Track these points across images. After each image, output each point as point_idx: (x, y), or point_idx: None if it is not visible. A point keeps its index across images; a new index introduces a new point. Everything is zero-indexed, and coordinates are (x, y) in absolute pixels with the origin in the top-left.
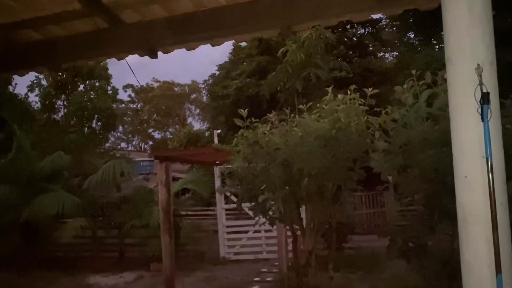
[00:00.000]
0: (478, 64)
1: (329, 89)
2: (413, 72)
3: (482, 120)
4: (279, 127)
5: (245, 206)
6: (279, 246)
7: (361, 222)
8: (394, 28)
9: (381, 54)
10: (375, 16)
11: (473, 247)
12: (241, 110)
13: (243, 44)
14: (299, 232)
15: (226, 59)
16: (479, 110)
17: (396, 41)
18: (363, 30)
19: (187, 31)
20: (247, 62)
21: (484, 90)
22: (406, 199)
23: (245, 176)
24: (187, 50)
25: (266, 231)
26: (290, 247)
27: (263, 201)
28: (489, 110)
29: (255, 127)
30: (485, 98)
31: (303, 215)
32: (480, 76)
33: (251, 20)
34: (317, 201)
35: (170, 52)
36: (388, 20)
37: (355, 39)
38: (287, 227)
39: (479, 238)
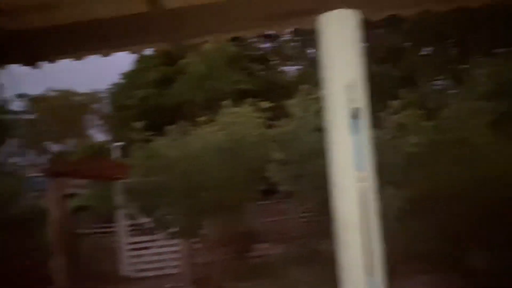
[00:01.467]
0: (350, 82)
1: (227, 102)
2: (304, 87)
3: (353, 133)
4: (178, 139)
5: (148, 221)
6: (182, 260)
7: (266, 231)
8: (297, 43)
9: (286, 68)
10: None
11: (349, 252)
12: (137, 122)
13: (148, 52)
14: (201, 245)
15: (131, 68)
16: (352, 124)
17: (299, 56)
18: (267, 44)
19: (72, 43)
20: (151, 72)
21: (355, 106)
22: (302, 207)
23: (142, 190)
24: (75, 60)
25: (170, 245)
26: (195, 260)
27: (161, 216)
28: (359, 124)
29: (153, 140)
30: (355, 113)
31: (208, 227)
32: (351, 92)
33: (139, 33)
34: (219, 213)
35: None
36: (290, 36)
37: (259, 52)
38: (189, 241)
39: (354, 243)
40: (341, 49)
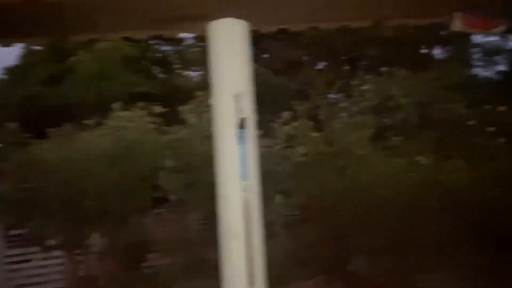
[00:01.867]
0: (238, 91)
1: (117, 105)
2: (200, 93)
3: (240, 143)
4: (61, 143)
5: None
6: (66, 274)
7: (157, 240)
8: (200, 48)
9: (189, 73)
10: (183, 35)
11: (232, 263)
12: (12, 123)
13: (37, 47)
14: (87, 257)
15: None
16: (239, 133)
17: (201, 61)
18: (170, 47)
19: None
20: (38, 68)
21: (242, 116)
22: (194, 216)
23: (17, 198)
24: None
25: (53, 258)
26: (80, 273)
27: (37, 226)
28: (245, 134)
29: (32, 143)
30: (242, 123)
31: (94, 238)
32: (239, 102)
33: (14, 25)
34: (106, 223)
35: None
36: (195, 40)
37: (161, 55)
38: (73, 253)
39: (237, 254)
40: (229, 58)
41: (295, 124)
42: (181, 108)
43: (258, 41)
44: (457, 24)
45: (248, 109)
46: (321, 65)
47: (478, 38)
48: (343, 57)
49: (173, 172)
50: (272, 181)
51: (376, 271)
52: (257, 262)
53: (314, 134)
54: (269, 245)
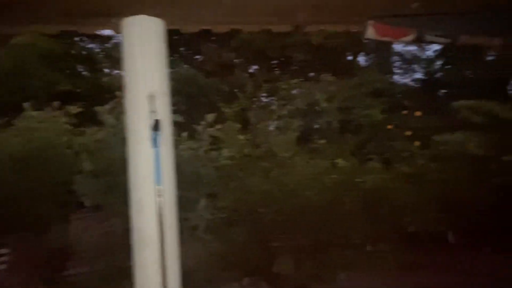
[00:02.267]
0: (153, 92)
1: (28, 104)
2: (117, 93)
3: (154, 146)
4: None
5: None
6: None
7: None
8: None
9: (117, 71)
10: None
11: (146, 270)
12: None
13: None
14: None
15: None
16: (153, 136)
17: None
18: (96, 45)
19: None
20: None
21: (157, 117)
22: (112, 221)
23: None
24: None
25: None
26: None
27: None
28: (160, 136)
29: None
30: (156, 125)
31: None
32: (153, 104)
33: None
34: (16, 230)
35: None
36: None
37: (86, 53)
38: None
39: (151, 260)
40: (144, 57)
41: (219, 126)
42: (99, 109)
43: (191, 43)
44: (370, 32)
45: (164, 110)
46: (252, 69)
47: (398, 47)
48: (274, 62)
49: (90, 176)
50: (198, 185)
51: (300, 271)
52: (172, 270)
53: (241, 137)
54: (194, 249)
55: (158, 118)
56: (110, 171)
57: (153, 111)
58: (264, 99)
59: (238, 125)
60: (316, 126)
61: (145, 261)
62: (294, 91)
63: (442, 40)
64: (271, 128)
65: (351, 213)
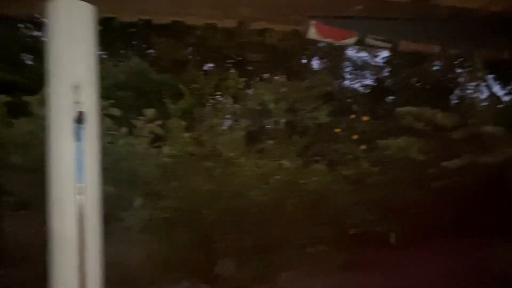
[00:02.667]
0: (77, 82)
1: None
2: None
3: (76, 140)
4: None
5: None
6: None
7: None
8: None
9: None
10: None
11: (63, 274)
12: None
13: None
14: None
15: None
16: (76, 129)
17: None
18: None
19: None
20: None
21: (81, 109)
22: (41, 219)
23: None
24: None
25: None
26: None
27: None
28: (84, 130)
29: None
30: (80, 118)
31: None
32: (78, 94)
33: None
34: None
35: None
36: None
37: (28, 40)
38: None
39: (70, 263)
40: (70, 44)
41: (158, 122)
42: (28, 99)
43: (145, 37)
44: (312, 33)
45: (90, 102)
46: (207, 67)
47: (351, 53)
48: (229, 61)
49: (18, 170)
50: (136, 183)
51: (242, 272)
52: (93, 274)
53: (186, 135)
54: (130, 251)
55: (82, 110)
56: (37, 166)
57: (77, 102)
58: (214, 98)
59: (183, 123)
60: (265, 126)
61: (62, 265)
62: (247, 91)
63: (383, 44)
64: (219, 127)
65: (295, 214)
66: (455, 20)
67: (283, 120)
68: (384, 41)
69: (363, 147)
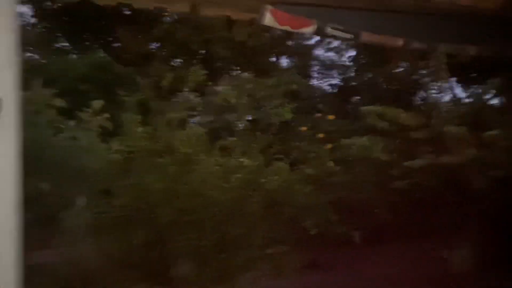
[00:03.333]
0: None
1: None
2: None
3: None
4: None
5: None
6: None
7: None
8: (43, 30)
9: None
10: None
11: None
12: None
13: None
14: None
15: None
16: None
17: (41, 44)
18: None
19: None
20: None
21: None
22: None
23: None
24: None
25: None
26: None
27: None
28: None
29: None
30: None
31: None
32: None
33: None
34: None
35: None
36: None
37: None
38: None
39: None
40: None
41: (106, 115)
42: None
43: (110, 29)
44: (268, 19)
45: (8, 87)
46: (174, 61)
47: (320, 53)
48: (197, 56)
49: None
50: (80, 180)
51: (200, 274)
52: (9, 283)
53: (140, 129)
54: (78, 251)
55: None
56: None
57: None
58: (177, 92)
59: (138, 116)
60: (228, 123)
61: None
62: (212, 87)
63: (344, 35)
64: (177, 122)
65: (255, 214)
66: (420, 13)
67: (247, 117)
68: (344, 31)
69: (329, 146)
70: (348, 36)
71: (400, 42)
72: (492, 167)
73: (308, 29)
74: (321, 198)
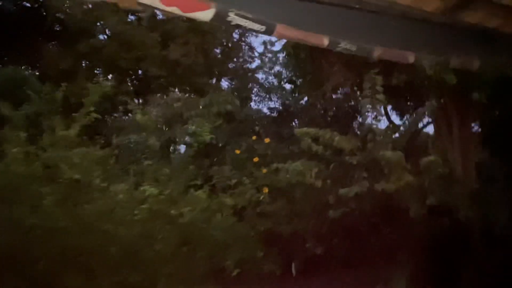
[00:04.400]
0: None
1: None
2: None
3: None
4: None
5: None
6: None
7: None
8: None
9: None
10: None
11: None
12: None
13: None
14: None
15: None
16: None
17: None
18: None
19: None
20: None
21: None
22: None
23: None
24: None
25: None
26: None
27: None
28: None
29: None
30: None
31: None
32: None
33: None
34: None
35: None
36: None
37: None
38: None
39: None
40: None
41: None
42: None
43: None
44: None
45: None
46: (101, 78)
47: (260, 75)
48: (130, 74)
49: None
50: None
51: None
52: None
53: (15, 150)
54: None
55: None
56: None
57: None
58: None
59: (23, 134)
60: (141, 143)
61: None
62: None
63: (254, 26)
64: (69, 141)
65: (164, 253)
66: (351, 8)
67: (164, 138)
68: (254, 21)
69: (264, 170)
70: (258, 27)
71: (325, 41)
72: (428, 195)
73: (204, 14)
74: (246, 231)
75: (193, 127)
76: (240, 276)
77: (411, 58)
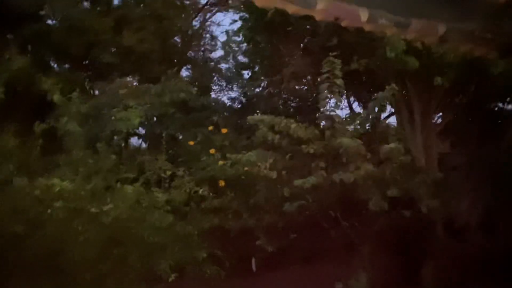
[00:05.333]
0: None
1: None
2: None
3: None
4: None
5: None
6: None
7: None
8: None
9: None
10: None
11: None
12: None
13: None
14: None
15: None
16: None
17: None
18: None
19: None
20: None
21: None
22: None
23: None
24: None
25: None
26: None
27: None
28: None
29: None
30: None
31: None
32: None
33: None
34: None
35: None
36: None
37: None
38: None
39: None
40: None
41: None
42: None
43: None
44: None
45: None
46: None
47: (223, 66)
48: (80, 61)
49: None
50: None
51: None
52: None
53: None
54: None
55: None
56: None
57: None
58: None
59: None
60: (59, 131)
61: None
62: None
63: None
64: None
65: (86, 256)
66: None
67: (95, 129)
68: None
69: (220, 162)
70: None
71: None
72: (389, 185)
73: None
74: (187, 230)
75: (122, 113)
76: (178, 281)
77: (363, 15)
